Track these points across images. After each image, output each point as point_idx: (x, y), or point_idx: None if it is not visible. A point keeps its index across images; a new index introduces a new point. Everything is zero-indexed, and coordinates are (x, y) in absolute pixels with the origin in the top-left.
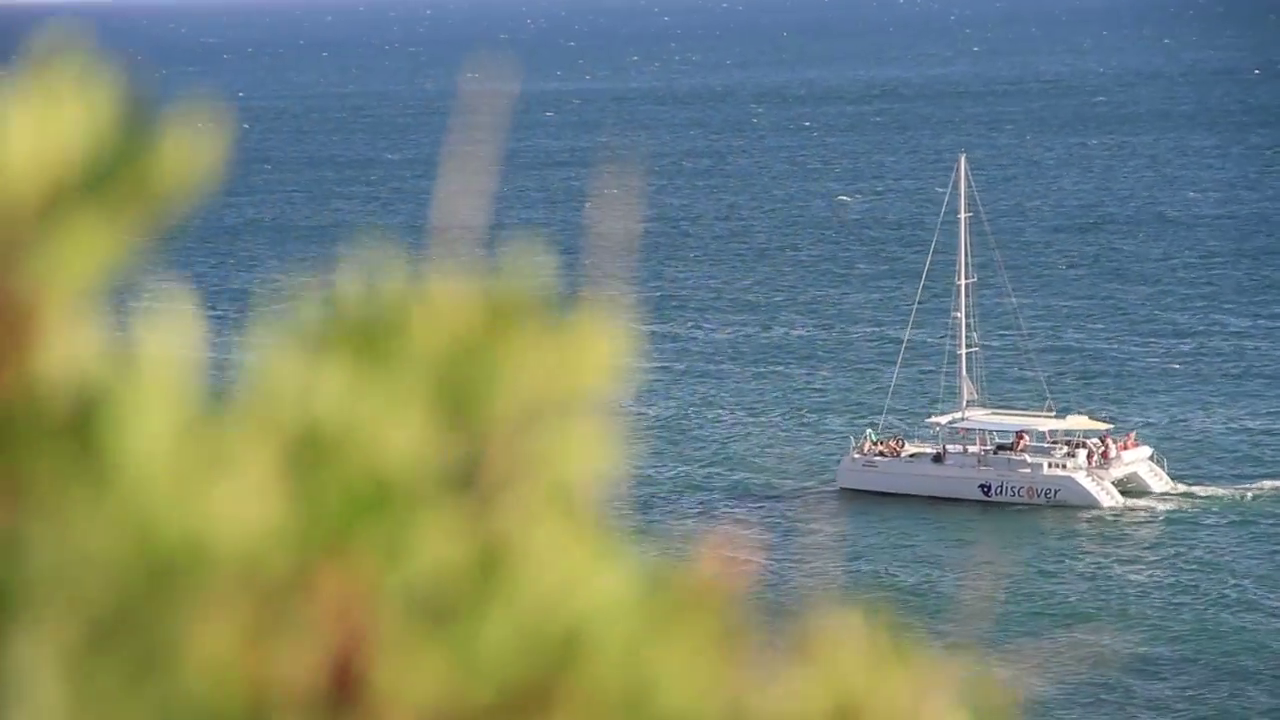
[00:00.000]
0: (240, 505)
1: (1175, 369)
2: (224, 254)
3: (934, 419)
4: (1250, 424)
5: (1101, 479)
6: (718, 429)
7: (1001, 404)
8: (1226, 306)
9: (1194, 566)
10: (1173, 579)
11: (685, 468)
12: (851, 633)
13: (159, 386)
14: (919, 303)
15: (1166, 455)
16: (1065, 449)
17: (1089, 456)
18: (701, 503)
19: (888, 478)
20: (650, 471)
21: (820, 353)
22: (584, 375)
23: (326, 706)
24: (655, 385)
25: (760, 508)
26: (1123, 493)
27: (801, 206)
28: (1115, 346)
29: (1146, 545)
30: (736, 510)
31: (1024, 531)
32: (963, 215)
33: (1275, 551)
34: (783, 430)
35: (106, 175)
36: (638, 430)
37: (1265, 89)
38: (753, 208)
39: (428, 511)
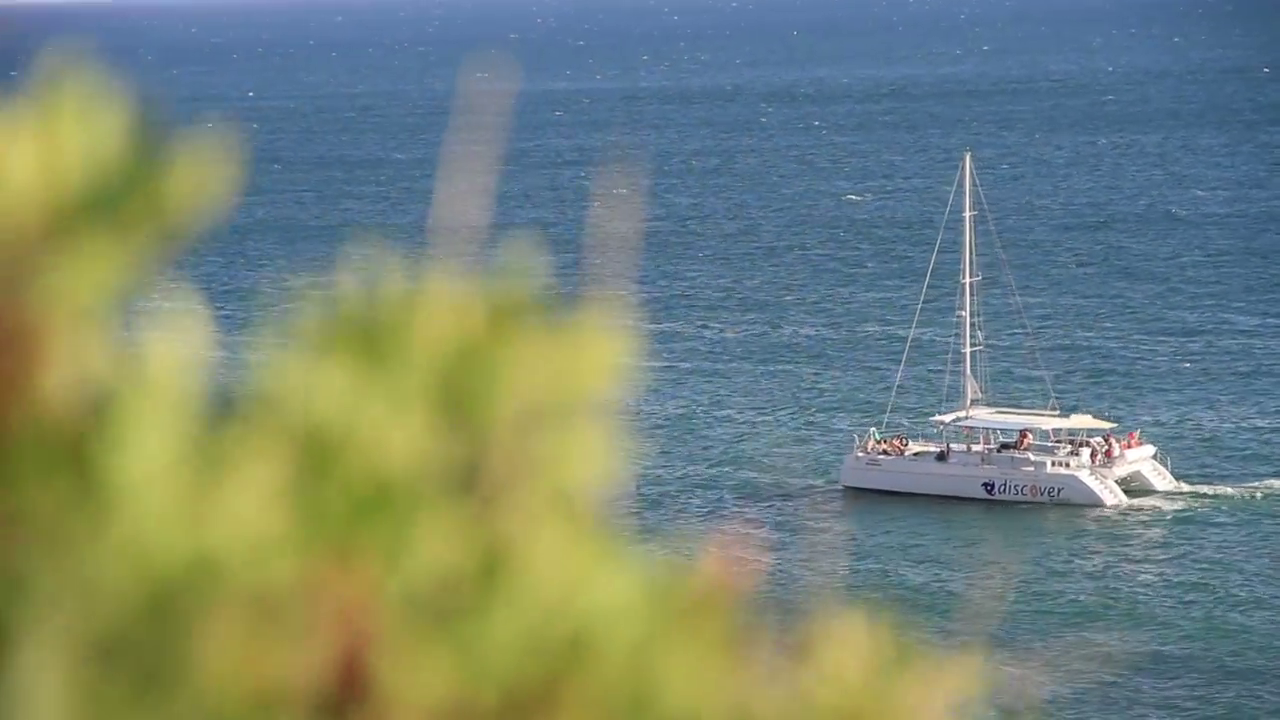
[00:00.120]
0: (243, 515)
1: (1184, 368)
2: (233, 254)
3: (938, 418)
4: (1259, 422)
5: (1105, 478)
6: (724, 428)
7: (1007, 403)
8: (1235, 305)
9: (1201, 565)
10: (1180, 577)
11: (692, 466)
12: (858, 633)
13: (162, 404)
14: (924, 302)
15: (1175, 454)
16: (1069, 448)
17: (1092, 455)
18: (707, 501)
19: (891, 476)
20: (656, 470)
21: (829, 351)
22: (586, 377)
23: (332, 709)
24: (662, 384)
25: (766, 506)
26: (1126, 491)
27: (810, 205)
28: (1124, 345)
29: (1151, 544)
30: (742, 509)
31: (1028, 530)
32: (967, 214)
33: None
34: (789, 429)
35: (116, 196)
36: (644, 429)
37: (1274, 88)
38: (761, 207)
39: (430, 513)
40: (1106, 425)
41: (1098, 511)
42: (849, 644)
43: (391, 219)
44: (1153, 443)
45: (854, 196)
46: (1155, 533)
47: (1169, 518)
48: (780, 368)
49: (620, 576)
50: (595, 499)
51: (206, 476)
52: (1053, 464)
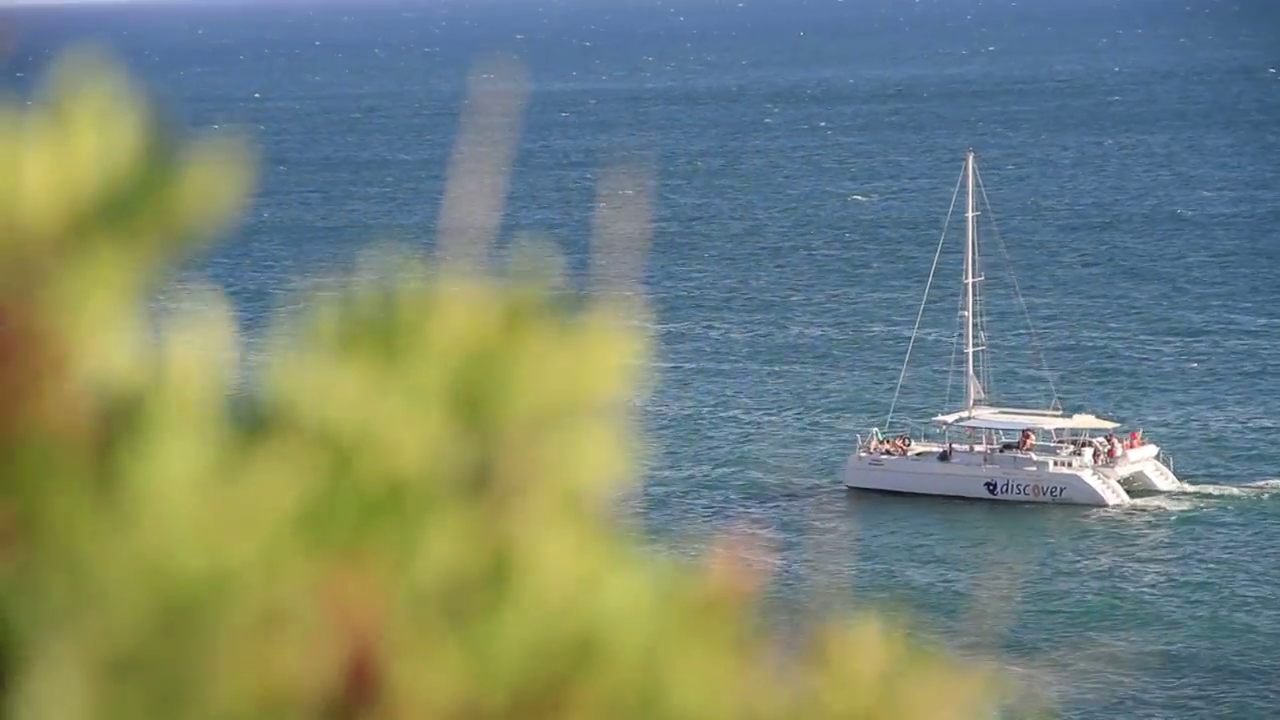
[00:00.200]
0: (260, 525)
1: (1189, 368)
2: (239, 255)
3: (941, 418)
4: (1265, 422)
5: (1107, 477)
6: (729, 428)
7: (1010, 403)
8: (1241, 306)
9: (1206, 564)
10: (1184, 577)
11: (698, 467)
12: (866, 635)
13: (183, 412)
14: (928, 302)
15: (1180, 454)
16: (1071, 447)
17: (1095, 455)
18: (713, 502)
19: (894, 476)
20: (662, 471)
21: (834, 352)
22: (597, 378)
23: (343, 709)
24: (668, 384)
25: (771, 507)
26: (1128, 491)
27: (815, 206)
28: (1129, 346)
29: (1155, 544)
30: (748, 509)
31: (1031, 530)
32: (970, 214)
33: None
34: (794, 429)
35: (130, 201)
36: (651, 430)
37: None
38: (766, 207)
39: (442, 514)
40: (1109, 425)
41: (1100, 511)
42: (860, 647)
43: (398, 220)
44: (1158, 443)
45: (859, 197)
46: (1159, 533)
47: (1173, 517)
48: (785, 368)
49: (629, 578)
50: (604, 501)
51: (225, 485)
52: (1055, 464)
